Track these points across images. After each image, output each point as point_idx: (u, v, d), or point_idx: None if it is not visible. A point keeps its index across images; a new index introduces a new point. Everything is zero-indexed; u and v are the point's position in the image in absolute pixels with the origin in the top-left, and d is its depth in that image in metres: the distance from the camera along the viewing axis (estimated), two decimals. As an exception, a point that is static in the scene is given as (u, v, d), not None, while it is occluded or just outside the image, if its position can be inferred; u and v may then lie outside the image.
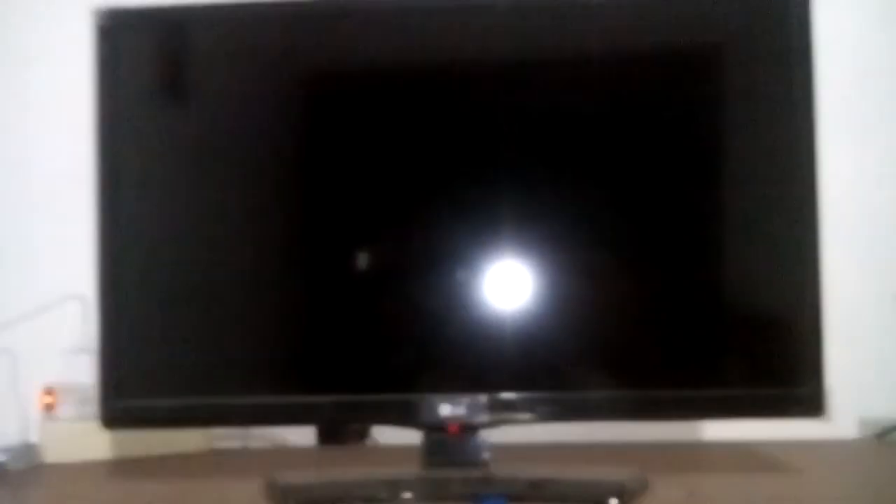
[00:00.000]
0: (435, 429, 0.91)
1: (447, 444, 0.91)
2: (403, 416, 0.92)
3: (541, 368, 0.91)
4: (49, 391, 1.11)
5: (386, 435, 1.20)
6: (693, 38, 0.94)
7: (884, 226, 1.22)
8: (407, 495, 0.86)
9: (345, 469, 1.02)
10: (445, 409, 0.90)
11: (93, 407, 1.06)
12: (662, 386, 0.91)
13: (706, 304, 0.93)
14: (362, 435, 1.21)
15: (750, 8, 0.92)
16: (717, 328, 0.92)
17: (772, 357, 0.91)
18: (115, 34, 0.95)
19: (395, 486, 0.87)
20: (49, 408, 1.11)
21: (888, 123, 1.23)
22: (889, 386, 1.19)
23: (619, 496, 0.84)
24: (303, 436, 1.22)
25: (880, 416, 1.17)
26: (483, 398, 0.90)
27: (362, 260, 0.94)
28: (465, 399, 0.90)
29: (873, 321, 1.21)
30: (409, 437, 0.94)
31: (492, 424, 0.91)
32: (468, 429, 0.91)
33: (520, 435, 0.97)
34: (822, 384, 0.89)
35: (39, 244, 1.27)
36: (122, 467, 1.08)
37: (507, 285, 0.92)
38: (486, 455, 0.91)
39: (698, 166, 0.93)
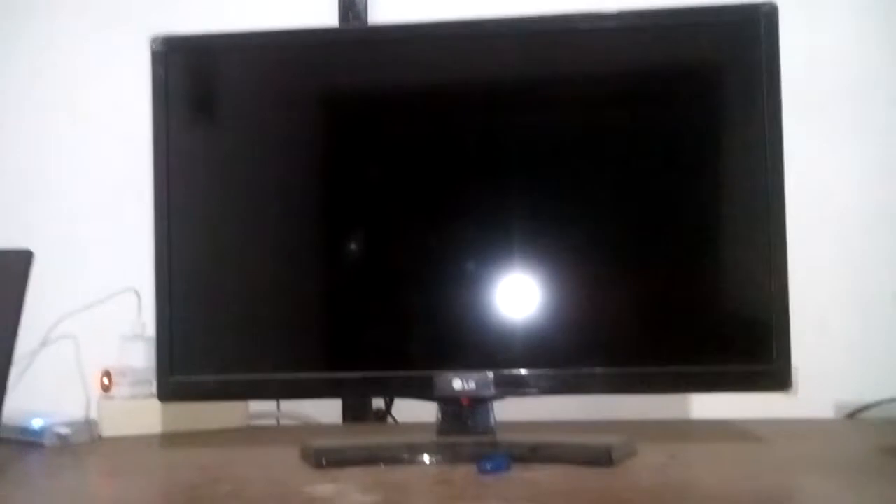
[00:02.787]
0: (449, 401, 1.01)
1: (459, 415, 1.00)
2: (421, 390, 1.01)
3: (541, 349, 1.00)
4: (106, 373, 1.19)
5: (403, 415, 1.28)
6: (675, 62, 1.02)
7: (860, 225, 1.28)
8: (425, 456, 0.96)
9: (369, 437, 1.11)
10: (458, 384, 0.99)
11: (144, 387, 1.18)
12: (649, 363, 0.99)
13: (689, 295, 1.00)
14: (384, 414, 1.30)
15: (725, 34, 1.01)
16: (698, 315, 1.00)
17: (746, 339, 0.98)
18: (166, 57, 1.04)
19: (415, 448, 0.97)
20: (106, 388, 1.19)
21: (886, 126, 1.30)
22: (862, 371, 1.26)
23: (609, 456, 0.93)
24: (329, 416, 1.30)
25: (853, 399, 1.24)
26: (490, 374, 0.99)
27: (386, 256, 1.04)
28: (475, 375, 0.99)
29: (850, 312, 1.27)
30: (423, 415, 1.04)
31: (498, 397, 1.00)
32: (477, 401, 1.00)
33: (524, 411, 1.06)
34: (790, 362, 0.96)
35: (99, 244, 1.37)
36: (170, 440, 1.17)
37: (514, 277, 1.00)
38: (493, 424, 1.00)
39: (682, 179, 1.01)
